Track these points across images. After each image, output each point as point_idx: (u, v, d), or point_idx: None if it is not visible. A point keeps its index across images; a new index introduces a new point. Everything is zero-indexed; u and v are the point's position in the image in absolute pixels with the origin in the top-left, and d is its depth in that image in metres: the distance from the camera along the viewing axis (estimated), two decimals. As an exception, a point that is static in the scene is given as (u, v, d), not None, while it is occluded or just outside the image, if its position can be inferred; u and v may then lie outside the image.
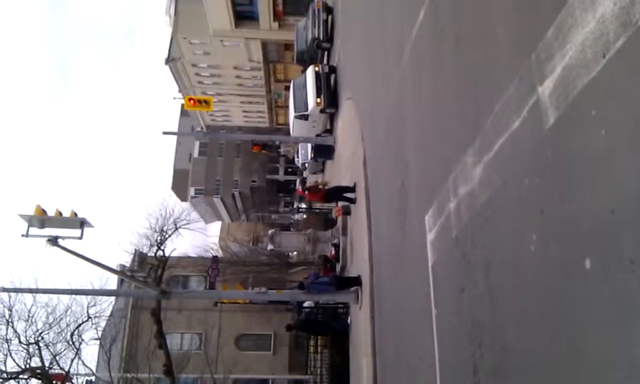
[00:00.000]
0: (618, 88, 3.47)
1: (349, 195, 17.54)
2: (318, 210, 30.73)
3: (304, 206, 35.63)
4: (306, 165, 33.58)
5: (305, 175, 35.45)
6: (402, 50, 9.83)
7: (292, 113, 27.40)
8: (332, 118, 26.23)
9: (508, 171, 5.09)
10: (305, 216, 34.47)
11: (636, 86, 3.28)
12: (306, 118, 26.38)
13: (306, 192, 20.57)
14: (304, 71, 27.37)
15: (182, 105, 54.78)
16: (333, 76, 25.28)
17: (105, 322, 28.95)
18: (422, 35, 8.59)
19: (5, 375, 24.09)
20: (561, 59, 4.11)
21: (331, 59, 27.59)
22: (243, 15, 43.60)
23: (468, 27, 6.43)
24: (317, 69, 25.55)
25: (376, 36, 13.83)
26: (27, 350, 24.83)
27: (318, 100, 25.09)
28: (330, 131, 27.11)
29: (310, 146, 30.76)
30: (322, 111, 25.61)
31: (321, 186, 20.19)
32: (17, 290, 19.37)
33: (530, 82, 4.60)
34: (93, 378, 28.46)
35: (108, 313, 29.13)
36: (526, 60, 4.64)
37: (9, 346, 24.42)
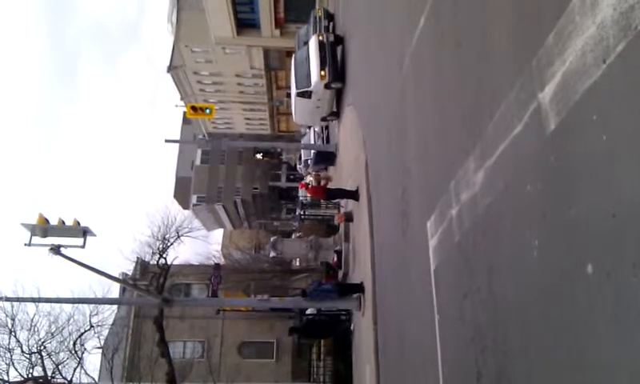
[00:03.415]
0: (618, 93, 3.47)
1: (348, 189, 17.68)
2: (320, 217, 30.70)
3: (306, 213, 35.34)
4: (309, 161, 31.38)
5: (309, 170, 33.20)
6: (403, 56, 9.86)
7: (293, 91, 24.41)
8: (339, 96, 23.42)
9: (510, 176, 5.09)
10: (307, 223, 34.39)
11: (636, 91, 3.28)
12: (308, 95, 23.28)
13: (308, 186, 20.53)
14: (306, 43, 24.35)
15: (184, 112, 54.93)
16: (340, 48, 22.67)
17: (107, 331, 28.96)
18: (423, 41, 8.61)
19: (7, 385, 24.08)
20: (561, 65, 4.11)
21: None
22: (245, 23, 43.79)
23: (468, 34, 6.44)
24: (321, 38, 22.72)
25: (377, 42, 13.86)
26: (30, 360, 24.84)
27: (323, 73, 22.08)
28: (336, 114, 24.22)
29: (313, 137, 29.14)
30: (327, 86, 22.50)
31: (323, 181, 20.16)
32: (19, 300, 19.45)
33: (530, 87, 4.61)
34: (95, 387, 28.40)
35: (110, 321, 29.15)
36: (527, 66, 4.65)
37: (11, 356, 24.45)
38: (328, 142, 28.00)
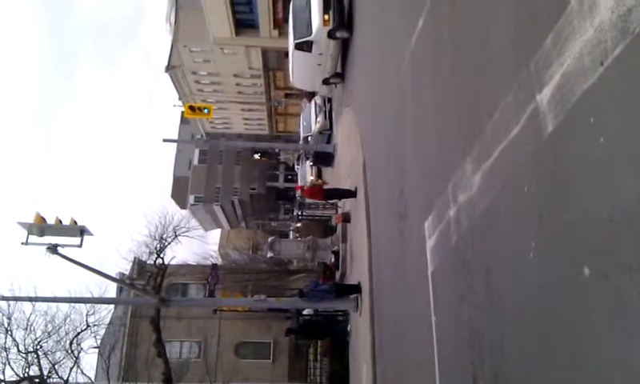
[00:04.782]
0: (616, 95, 3.48)
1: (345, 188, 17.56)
2: (318, 218, 30.67)
3: (304, 213, 35.21)
4: (309, 138, 27.92)
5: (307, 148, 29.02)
6: (401, 58, 9.86)
7: (291, 42, 20.83)
8: (344, 54, 19.99)
9: (507, 178, 5.09)
10: (304, 223, 34.30)
11: (634, 93, 3.29)
12: (308, 47, 19.85)
13: (304, 188, 20.44)
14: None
15: (182, 112, 54.88)
16: None
17: (104, 331, 28.90)
18: (421, 43, 8.62)
19: (3, 384, 24.02)
20: (559, 67, 4.12)
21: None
22: (243, 23, 43.80)
23: (467, 35, 6.45)
24: None
25: (375, 42, 13.87)
26: (26, 359, 24.77)
27: (326, 17, 18.56)
28: (341, 76, 20.90)
29: (314, 110, 26.40)
30: (330, 35, 18.92)
31: (320, 181, 20.06)
32: (16, 299, 19.37)
33: (528, 89, 4.61)
34: (92, 387, 28.35)
35: (107, 321, 29.08)
36: (525, 68, 4.65)
37: (7, 355, 24.38)
38: (331, 117, 25.43)
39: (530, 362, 4.54)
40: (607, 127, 3.56)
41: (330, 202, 23.18)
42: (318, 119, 26.71)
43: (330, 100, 26.19)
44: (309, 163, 29.45)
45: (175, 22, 47.23)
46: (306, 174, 31.06)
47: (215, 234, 71.32)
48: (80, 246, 13.06)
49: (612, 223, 3.43)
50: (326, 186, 19.65)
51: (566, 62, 4.03)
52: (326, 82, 21.87)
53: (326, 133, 25.85)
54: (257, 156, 64.13)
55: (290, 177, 67.22)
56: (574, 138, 3.95)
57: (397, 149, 10.43)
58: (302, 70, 21.54)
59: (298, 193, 30.79)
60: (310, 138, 27.47)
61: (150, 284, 26.39)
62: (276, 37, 43.57)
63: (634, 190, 3.24)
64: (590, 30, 3.71)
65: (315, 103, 27.28)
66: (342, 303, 16.15)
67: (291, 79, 23.46)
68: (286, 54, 47.73)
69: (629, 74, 3.36)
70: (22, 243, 12.79)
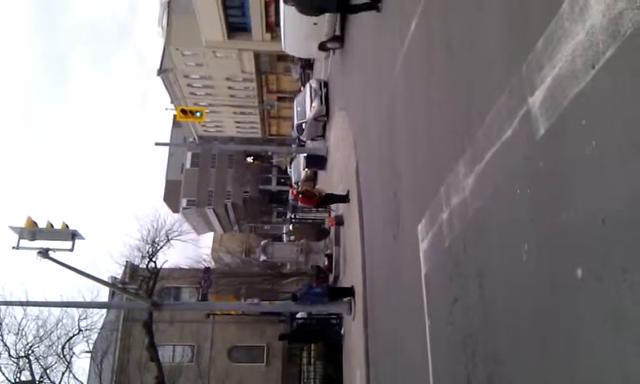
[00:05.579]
0: (607, 98, 3.49)
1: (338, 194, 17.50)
2: (311, 221, 30.61)
3: (297, 216, 35.02)
4: (304, 126, 25.51)
5: (303, 136, 26.72)
6: (394, 61, 9.87)
7: None
8: (344, 14, 16.89)
9: (499, 181, 5.10)
10: (298, 226, 34.19)
11: (626, 96, 3.30)
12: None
13: (300, 196, 20.35)
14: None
15: (175, 116, 54.77)
16: None
17: (96, 335, 28.77)
18: (414, 46, 8.64)
19: (-6, 389, 23.85)
20: (551, 70, 4.13)
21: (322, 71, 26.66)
22: (236, 26, 43.80)
23: (459, 38, 6.47)
24: None
25: (368, 45, 13.88)
26: (17, 364, 24.66)
27: None
28: (340, 39, 18.27)
29: (309, 94, 24.60)
30: None
31: (316, 194, 20.03)
32: (7, 303, 19.26)
33: (520, 92, 4.62)
34: (84, 392, 28.16)
35: (99, 325, 29.00)
36: (517, 70, 4.67)
37: (-2, 360, 24.21)
38: (327, 102, 23.54)
39: (524, 365, 4.54)
40: (599, 130, 3.57)
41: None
42: (314, 104, 24.58)
43: (326, 84, 24.28)
44: (303, 156, 28.35)
45: (167, 25, 47.17)
46: (300, 167, 30.50)
47: (208, 238, 71.20)
48: (71, 250, 12.99)
49: (605, 225, 3.44)
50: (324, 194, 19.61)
51: (557, 65, 4.04)
52: (322, 46, 18.64)
53: (322, 119, 23.98)
54: (249, 159, 64.09)
55: (282, 180, 67.23)
56: (566, 141, 3.96)
57: (390, 151, 10.44)
58: (295, 32, 18.31)
59: (292, 196, 30.66)
60: (304, 125, 25.32)
61: (142, 288, 26.32)
62: (268, 40, 43.58)
63: (627, 192, 3.25)
64: (582, 32, 3.72)
65: (310, 87, 25.16)
66: (336, 306, 16.14)
67: (283, 45, 20.52)
68: (279, 58, 47.93)
69: (620, 77, 3.37)
70: (13, 247, 12.71)
